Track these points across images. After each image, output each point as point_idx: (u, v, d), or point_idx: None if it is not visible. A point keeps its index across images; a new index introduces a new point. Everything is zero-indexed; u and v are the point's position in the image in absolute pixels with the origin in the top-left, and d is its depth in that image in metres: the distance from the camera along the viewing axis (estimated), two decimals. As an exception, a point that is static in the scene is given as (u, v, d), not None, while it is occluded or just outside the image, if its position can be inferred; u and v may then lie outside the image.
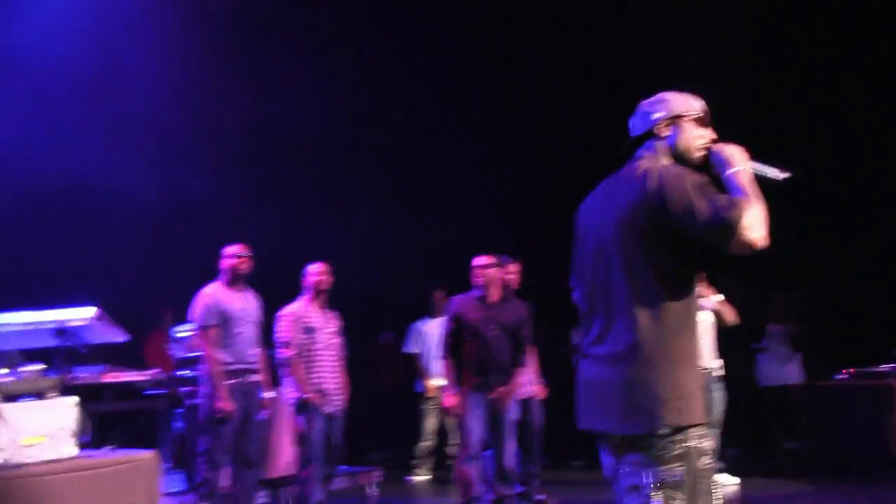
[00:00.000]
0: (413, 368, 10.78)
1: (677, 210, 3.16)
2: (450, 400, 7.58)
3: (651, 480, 3.20)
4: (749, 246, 3.14)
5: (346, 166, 12.65)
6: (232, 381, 7.19)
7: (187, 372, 7.99)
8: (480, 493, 7.61)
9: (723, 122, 3.56)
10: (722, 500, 3.30)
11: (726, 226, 3.11)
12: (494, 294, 7.77)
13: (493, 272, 7.78)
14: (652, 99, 3.54)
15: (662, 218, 3.19)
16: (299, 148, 12.38)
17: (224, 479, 7.21)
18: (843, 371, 10.02)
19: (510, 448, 7.65)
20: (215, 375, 7.11)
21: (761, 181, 3.34)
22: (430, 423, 10.68)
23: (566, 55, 12.11)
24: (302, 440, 7.51)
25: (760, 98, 11.57)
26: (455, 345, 7.67)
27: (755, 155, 3.43)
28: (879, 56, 11.34)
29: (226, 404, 7.06)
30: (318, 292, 7.78)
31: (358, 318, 11.38)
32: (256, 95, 11.86)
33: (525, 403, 8.37)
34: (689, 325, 3.28)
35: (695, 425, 3.20)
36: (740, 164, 3.33)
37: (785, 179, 3.42)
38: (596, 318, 3.39)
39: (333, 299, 7.98)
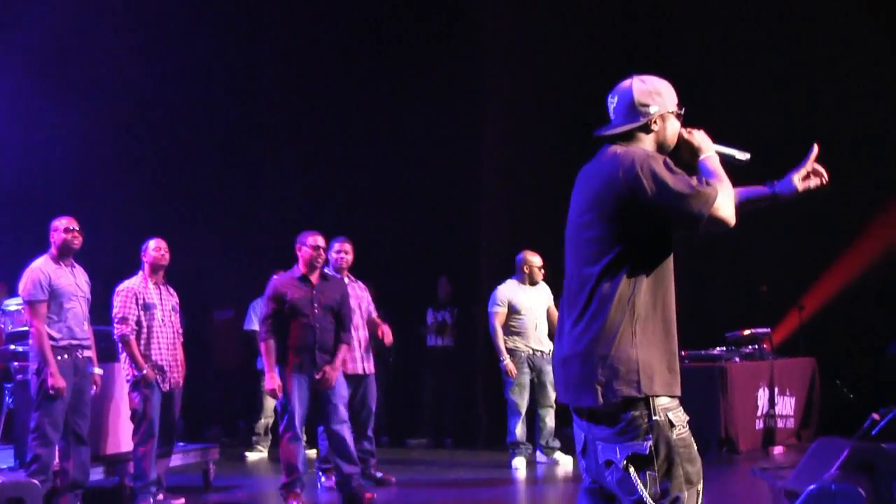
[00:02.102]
0: (253, 345, 10.68)
1: (653, 190, 3.27)
2: (272, 382, 7.53)
3: (623, 455, 3.29)
4: (720, 224, 3.33)
5: (186, 139, 12.41)
6: (63, 358, 7.02)
7: (17, 347, 7.75)
8: (304, 472, 7.63)
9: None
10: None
11: (700, 204, 3.27)
12: (316, 273, 7.76)
13: (319, 252, 7.75)
14: (646, 87, 3.52)
15: (637, 198, 3.29)
16: (144, 119, 12.12)
17: (56, 457, 7.06)
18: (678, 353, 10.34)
19: (345, 426, 7.68)
20: (45, 351, 6.92)
21: (726, 162, 3.52)
22: (270, 400, 10.60)
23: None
24: (138, 417, 7.38)
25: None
26: (276, 325, 7.60)
27: (717, 138, 3.59)
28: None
29: (57, 380, 6.88)
30: (155, 268, 7.65)
31: (195, 295, 11.30)
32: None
33: (358, 381, 8.41)
34: (656, 305, 3.37)
35: (661, 398, 3.30)
36: (709, 150, 3.52)
37: (747, 160, 3.59)
38: (571, 299, 3.47)
39: (173, 275, 7.87)
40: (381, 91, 12.43)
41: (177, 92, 12.14)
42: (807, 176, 3.72)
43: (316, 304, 7.64)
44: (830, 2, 11.55)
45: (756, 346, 10.71)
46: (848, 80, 11.46)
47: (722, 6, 11.89)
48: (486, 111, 12.09)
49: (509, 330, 9.39)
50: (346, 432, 7.66)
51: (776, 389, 10.51)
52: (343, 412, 7.71)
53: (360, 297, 8.57)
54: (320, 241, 7.75)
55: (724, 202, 3.33)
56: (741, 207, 3.62)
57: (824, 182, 3.74)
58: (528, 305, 9.42)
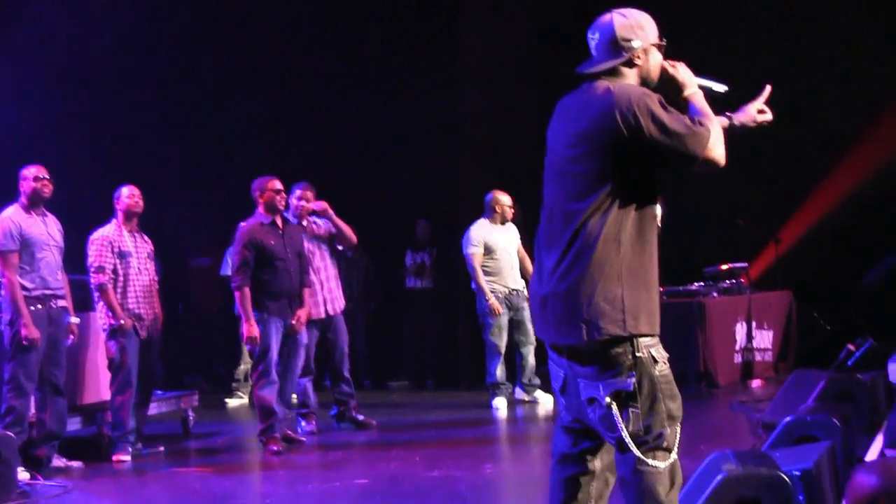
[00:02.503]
0: (230, 292, 10.63)
1: (650, 128, 3.24)
2: (251, 329, 7.54)
3: (606, 392, 3.27)
4: (713, 164, 3.32)
5: (160, 87, 12.27)
6: (36, 308, 6.96)
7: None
8: (281, 415, 7.71)
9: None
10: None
11: (695, 145, 3.27)
12: (279, 218, 7.79)
13: (281, 196, 7.79)
14: (627, 21, 3.46)
15: (633, 136, 3.25)
16: (117, 68, 11.95)
17: (32, 407, 7.03)
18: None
19: (294, 371, 7.88)
20: (17, 301, 6.86)
21: (706, 94, 3.51)
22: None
23: None
24: (115, 366, 7.36)
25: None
26: (251, 272, 7.61)
27: (697, 70, 3.57)
28: None
29: (30, 331, 6.83)
30: (129, 216, 7.58)
31: (172, 241, 11.24)
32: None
33: (325, 323, 8.42)
34: (642, 244, 3.34)
35: (643, 336, 3.29)
36: (693, 85, 3.50)
37: (726, 91, 3.58)
38: (552, 235, 3.42)
39: (149, 223, 7.82)
40: (358, 33, 12.30)
41: (148, 39, 11.96)
42: (761, 111, 3.69)
43: (288, 249, 7.70)
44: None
45: (734, 281, 10.76)
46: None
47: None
48: (464, 51, 11.99)
49: (485, 270, 9.35)
50: (294, 378, 7.90)
51: (754, 323, 10.58)
52: (302, 359, 7.89)
53: (321, 238, 8.50)
54: (278, 184, 7.80)
55: (717, 142, 3.32)
56: None
57: (769, 121, 3.70)
58: (502, 245, 9.39)
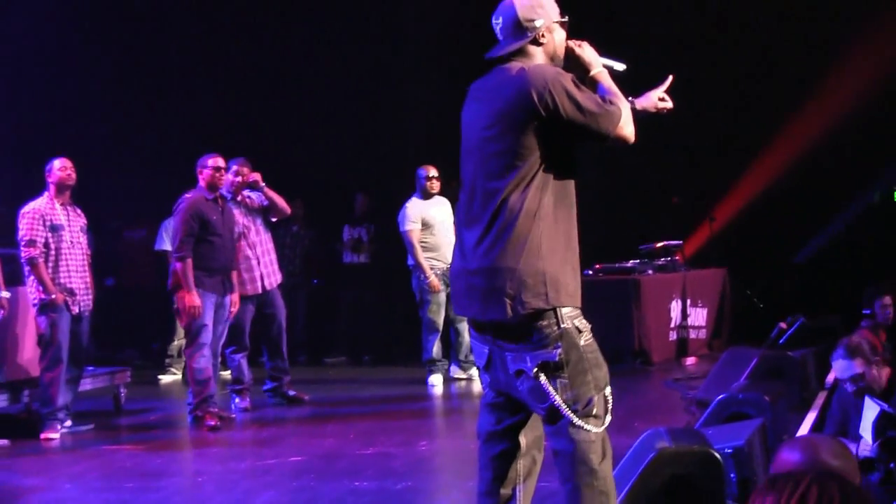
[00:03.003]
0: (165, 266, 10.51)
1: (564, 107, 3.32)
2: (192, 300, 7.50)
3: (533, 363, 3.32)
4: (624, 141, 3.45)
5: (94, 58, 12.06)
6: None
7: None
8: (215, 390, 7.74)
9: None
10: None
11: (607, 123, 3.38)
12: (218, 195, 7.81)
13: (221, 174, 7.80)
14: (528, 2, 3.51)
15: (549, 114, 3.33)
16: (54, 38, 11.72)
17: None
18: (592, 267, 10.40)
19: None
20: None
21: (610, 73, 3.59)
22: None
23: None
24: (45, 341, 7.24)
25: None
26: (192, 245, 7.58)
27: (598, 49, 3.64)
28: None
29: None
30: (61, 188, 7.45)
31: (106, 214, 11.08)
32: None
33: (261, 299, 8.37)
34: (561, 218, 3.41)
35: (566, 307, 3.34)
36: (598, 65, 3.59)
37: (624, 69, 3.66)
38: (471, 213, 3.48)
39: (81, 195, 7.69)
40: (298, 8, 12.18)
41: (80, 9, 11.75)
42: (662, 98, 3.73)
43: (226, 227, 7.76)
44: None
45: (669, 259, 10.85)
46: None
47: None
48: (406, 28, 11.95)
49: (423, 246, 9.27)
50: (218, 354, 7.94)
51: (688, 301, 10.68)
52: (224, 337, 7.95)
53: (256, 211, 8.43)
54: (220, 162, 7.79)
55: (627, 121, 3.43)
56: None
57: (669, 109, 3.74)
58: (439, 220, 9.30)
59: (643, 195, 12.09)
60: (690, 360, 10.38)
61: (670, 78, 3.77)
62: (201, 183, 7.73)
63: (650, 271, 10.53)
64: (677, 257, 10.95)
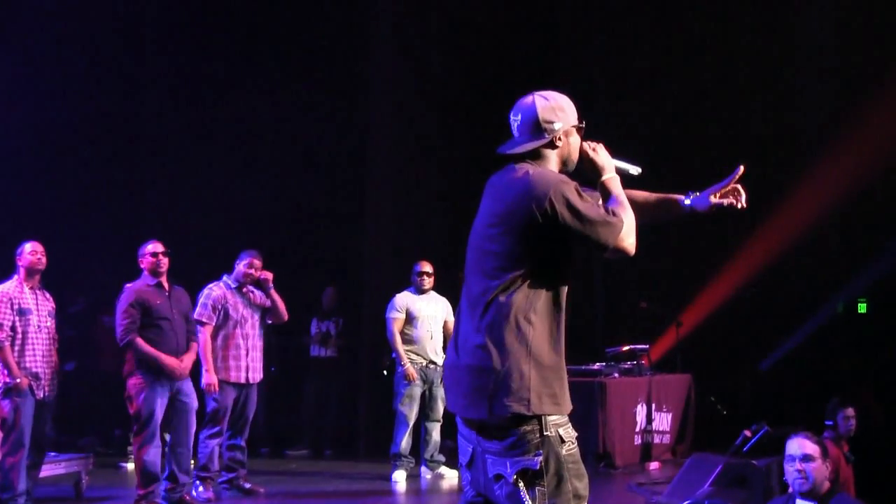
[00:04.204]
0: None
1: (564, 216, 3.33)
2: (137, 384, 7.50)
3: (513, 469, 3.31)
4: (623, 253, 3.44)
5: (62, 140, 12.11)
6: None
7: None
8: (183, 481, 7.71)
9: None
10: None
11: (608, 234, 3.38)
12: (164, 280, 7.81)
13: (160, 258, 7.79)
14: (549, 103, 3.54)
15: (548, 222, 3.34)
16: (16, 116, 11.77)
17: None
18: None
19: (190, 436, 7.81)
20: None
21: (621, 176, 3.60)
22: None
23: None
24: (8, 426, 7.18)
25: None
26: (137, 331, 7.57)
27: (613, 151, 3.65)
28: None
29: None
30: (31, 272, 7.46)
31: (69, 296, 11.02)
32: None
33: (241, 389, 8.37)
34: (552, 324, 3.41)
35: (550, 415, 3.33)
36: (611, 170, 3.59)
37: (639, 174, 3.68)
38: (469, 308, 3.48)
39: (49, 279, 7.68)
40: (266, 95, 12.34)
41: (47, 86, 11.82)
42: (724, 194, 3.77)
43: (174, 310, 7.74)
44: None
45: (635, 362, 10.88)
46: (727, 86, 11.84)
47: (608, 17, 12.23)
48: (372, 119, 12.10)
49: (403, 338, 9.30)
50: (189, 443, 7.82)
51: (654, 405, 10.68)
52: (193, 425, 7.85)
53: (256, 307, 8.50)
54: (160, 247, 7.82)
55: (629, 233, 3.44)
56: (653, 211, 3.77)
57: (740, 203, 3.79)
58: (424, 314, 9.35)
59: (611, 298, 12.19)
60: (654, 465, 10.35)
61: (741, 168, 3.78)
62: (144, 271, 7.77)
63: (616, 374, 10.56)
64: (643, 361, 10.98)
